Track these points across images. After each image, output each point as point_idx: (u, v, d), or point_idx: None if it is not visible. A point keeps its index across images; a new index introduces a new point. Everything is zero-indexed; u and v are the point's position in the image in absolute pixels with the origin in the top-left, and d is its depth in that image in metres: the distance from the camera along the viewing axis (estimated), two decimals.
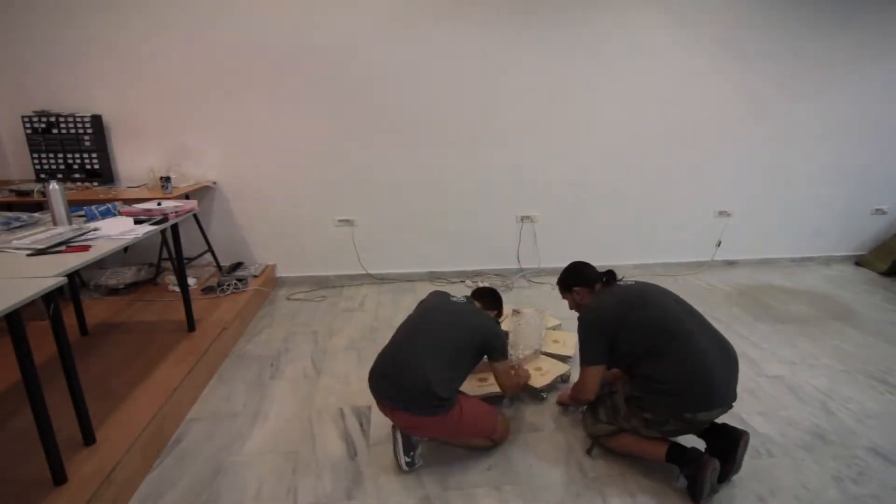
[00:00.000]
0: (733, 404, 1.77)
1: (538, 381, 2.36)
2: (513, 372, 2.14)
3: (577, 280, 2.10)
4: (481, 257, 4.04)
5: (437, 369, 1.77)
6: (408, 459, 1.88)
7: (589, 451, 1.99)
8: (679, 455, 1.77)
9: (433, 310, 2.05)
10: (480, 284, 3.81)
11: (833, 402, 2.38)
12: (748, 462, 1.96)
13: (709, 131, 3.98)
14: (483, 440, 2.00)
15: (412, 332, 1.95)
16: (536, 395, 2.37)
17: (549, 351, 2.66)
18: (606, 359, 1.87)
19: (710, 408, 1.72)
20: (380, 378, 1.85)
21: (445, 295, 2.14)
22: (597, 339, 1.86)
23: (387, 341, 2.67)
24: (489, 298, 2.22)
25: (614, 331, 1.83)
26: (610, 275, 2.07)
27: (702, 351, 1.74)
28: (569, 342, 2.74)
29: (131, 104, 3.38)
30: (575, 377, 2.30)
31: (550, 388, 2.41)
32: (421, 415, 1.76)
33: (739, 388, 2.43)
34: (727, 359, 1.80)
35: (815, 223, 4.44)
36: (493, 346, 1.96)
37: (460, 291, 3.72)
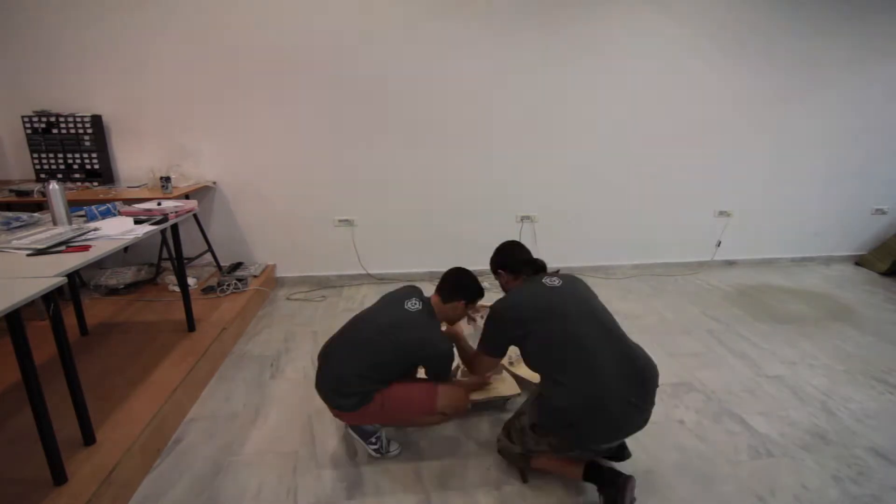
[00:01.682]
0: (643, 426, 1.68)
1: (476, 393, 2.22)
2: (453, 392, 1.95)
3: (503, 262, 2.01)
4: (481, 257, 3.98)
5: (351, 376, 1.81)
6: (374, 446, 1.94)
7: (525, 480, 1.85)
8: (597, 475, 1.69)
9: (371, 319, 1.94)
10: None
11: (833, 402, 2.38)
12: (749, 462, 1.97)
13: (709, 131, 3.98)
14: (432, 417, 1.95)
15: (342, 339, 1.93)
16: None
17: (516, 372, 2.40)
18: (502, 353, 1.86)
19: (609, 440, 1.67)
20: (318, 372, 1.94)
21: (398, 302, 1.96)
22: (499, 335, 1.80)
23: None
24: (450, 289, 1.99)
25: (515, 335, 1.74)
26: (537, 266, 1.94)
27: (602, 383, 1.59)
28: None
29: (131, 104, 3.38)
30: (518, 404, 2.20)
31: (483, 405, 2.23)
32: (345, 410, 1.85)
33: (739, 388, 2.46)
34: (634, 388, 1.62)
35: (815, 223, 4.44)
36: (427, 366, 1.92)
37: None
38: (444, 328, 2.07)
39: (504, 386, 2.31)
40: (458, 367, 2.36)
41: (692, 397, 2.40)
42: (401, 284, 3.83)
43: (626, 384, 1.62)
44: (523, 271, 1.95)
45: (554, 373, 1.67)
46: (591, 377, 1.61)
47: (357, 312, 2.06)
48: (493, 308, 1.82)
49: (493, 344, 1.84)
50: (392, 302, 2.00)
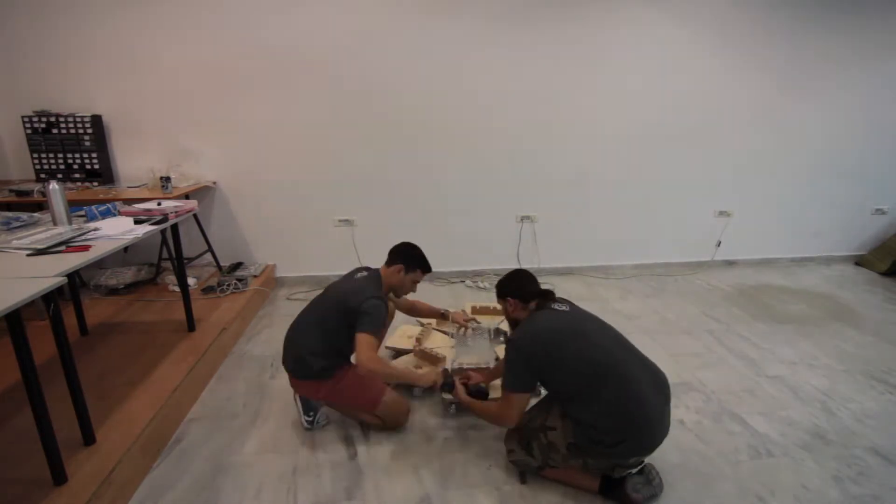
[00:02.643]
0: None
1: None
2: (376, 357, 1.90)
3: (514, 291, 1.96)
4: (481, 257, 4.03)
5: (310, 343, 2.00)
6: (308, 419, 2.10)
7: (524, 481, 1.85)
8: (612, 488, 1.72)
9: (328, 287, 2.20)
10: (480, 284, 3.84)
11: (833, 402, 2.38)
12: (749, 462, 1.97)
13: (709, 131, 3.98)
14: (370, 416, 2.07)
15: (304, 309, 2.15)
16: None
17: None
18: (532, 387, 1.75)
19: (651, 450, 1.68)
20: (284, 345, 2.14)
21: (349, 275, 2.19)
22: (524, 367, 1.72)
23: (386, 340, 2.68)
24: (392, 255, 2.19)
25: (542, 364, 1.69)
26: (546, 295, 1.91)
27: (640, 394, 1.62)
28: None
29: (131, 104, 3.38)
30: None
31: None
32: (300, 378, 2.04)
33: (739, 388, 2.47)
34: (662, 395, 1.69)
35: (815, 223, 4.44)
36: (354, 311, 1.91)
37: (460, 291, 3.78)
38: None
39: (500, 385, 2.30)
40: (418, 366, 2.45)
41: (692, 397, 2.40)
42: None
43: (657, 393, 1.67)
44: (534, 300, 1.91)
45: (587, 392, 1.63)
46: (635, 393, 1.61)
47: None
48: (514, 341, 1.75)
49: (521, 379, 1.73)
50: (344, 278, 2.19)
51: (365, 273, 2.15)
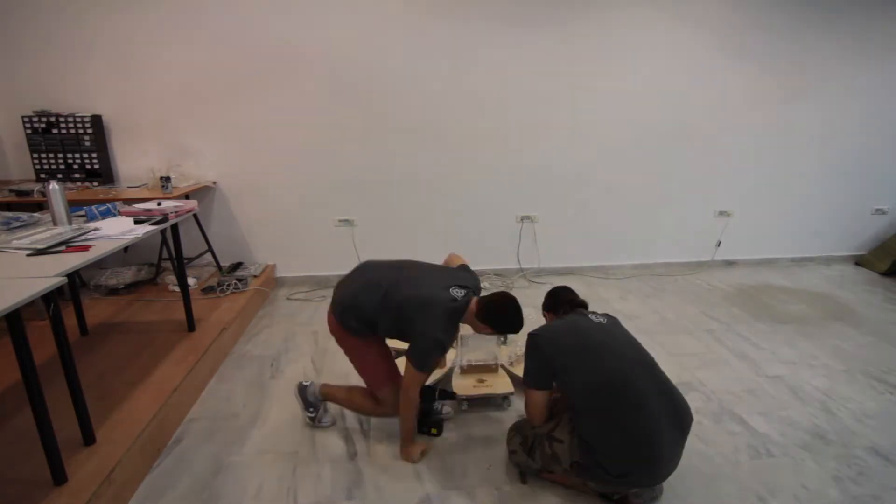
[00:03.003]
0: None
1: (464, 388, 2.24)
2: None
3: (547, 304, 1.97)
4: (481, 257, 4.02)
5: (363, 302, 1.87)
6: (310, 415, 2.12)
7: (524, 481, 1.85)
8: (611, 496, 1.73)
9: (415, 266, 2.01)
10: (481, 284, 3.83)
11: (833, 402, 2.38)
12: (749, 462, 1.96)
13: (709, 131, 3.98)
14: (368, 400, 2.00)
15: (383, 265, 2.04)
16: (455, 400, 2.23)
17: (515, 372, 2.42)
18: (548, 386, 1.73)
19: (653, 484, 1.67)
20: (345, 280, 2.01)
21: (446, 279, 1.94)
22: (538, 364, 1.72)
23: (386, 341, 2.66)
24: (492, 315, 1.84)
25: (558, 365, 1.67)
26: (576, 303, 1.90)
27: (652, 426, 1.56)
28: None
29: (131, 104, 3.38)
30: (518, 405, 2.25)
31: (480, 402, 2.26)
32: (336, 321, 1.94)
33: (739, 388, 2.47)
34: (678, 429, 1.63)
35: (815, 223, 4.44)
36: (410, 327, 1.80)
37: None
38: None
39: (500, 383, 2.31)
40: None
41: (692, 397, 2.39)
42: None
43: (672, 427, 1.60)
44: (562, 309, 1.91)
45: (597, 409, 1.60)
46: (643, 422, 1.56)
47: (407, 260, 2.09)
48: (532, 337, 1.74)
49: (536, 377, 1.73)
50: (441, 275, 1.97)
51: (459, 295, 1.85)
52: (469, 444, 2.06)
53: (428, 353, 1.78)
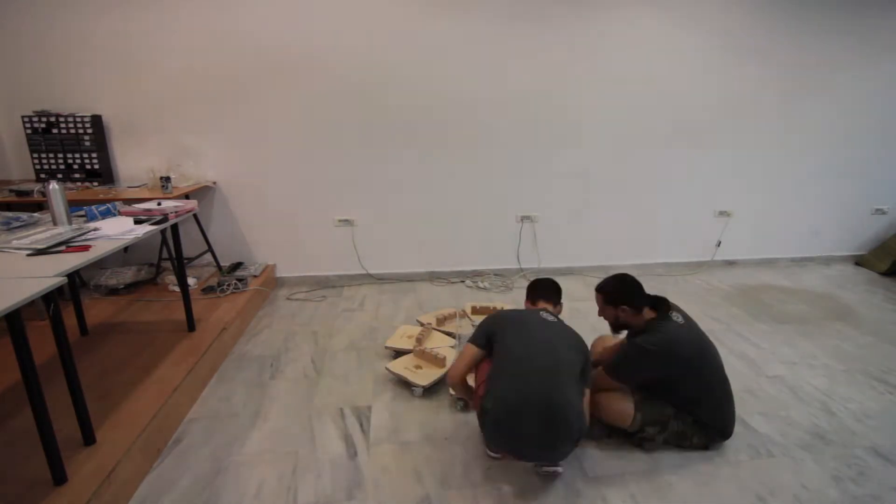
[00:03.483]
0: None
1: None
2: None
3: (628, 299, 2.00)
4: (481, 257, 4.04)
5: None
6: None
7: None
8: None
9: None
10: (480, 285, 3.84)
11: (833, 402, 2.38)
12: (749, 462, 1.96)
13: (709, 131, 3.98)
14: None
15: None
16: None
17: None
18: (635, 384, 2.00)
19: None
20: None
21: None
22: (644, 370, 1.92)
23: (386, 341, 2.68)
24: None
25: (673, 373, 1.89)
26: (661, 303, 2.02)
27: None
28: None
29: (131, 104, 3.37)
30: None
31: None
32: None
33: (739, 388, 2.46)
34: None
35: (815, 223, 4.44)
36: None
37: (461, 291, 3.78)
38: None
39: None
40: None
41: None
42: (401, 284, 3.86)
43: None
44: (646, 307, 2.02)
45: (718, 396, 1.99)
46: (730, 395, 2.03)
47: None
48: (649, 347, 1.87)
49: (635, 377, 1.97)
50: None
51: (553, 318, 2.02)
52: (469, 445, 2.05)
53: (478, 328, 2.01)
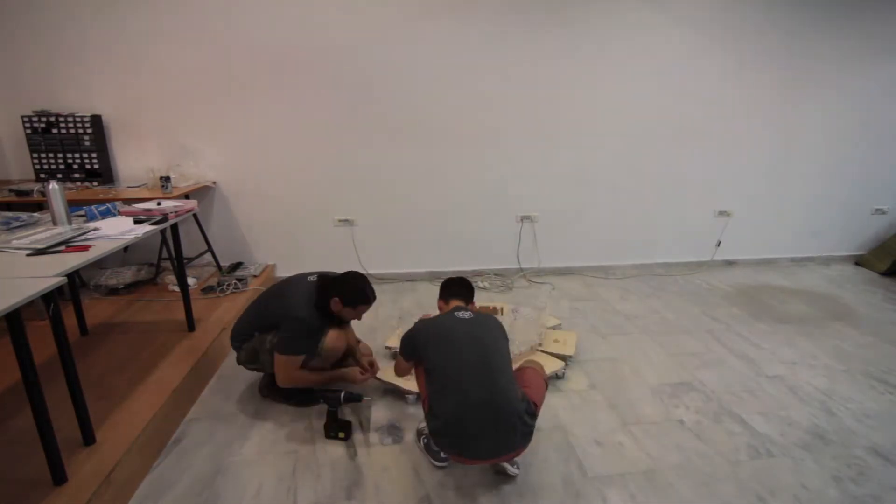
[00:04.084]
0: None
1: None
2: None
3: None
4: (481, 257, 4.03)
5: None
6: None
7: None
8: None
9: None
10: (480, 284, 3.84)
11: (833, 402, 2.38)
12: (749, 462, 1.96)
13: (709, 131, 3.98)
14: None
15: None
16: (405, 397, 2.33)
17: (548, 350, 2.66)
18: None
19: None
20: None
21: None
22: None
23: (387, 341, 2.67)
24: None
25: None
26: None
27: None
28: (569, 341, 2.74)
29: (131, 104, 3.37)
30: (570, 375, 2.50)
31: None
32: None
33: (739, 388, 2.47)
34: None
35: (815, 223, 4.44)
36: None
37: None
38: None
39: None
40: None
41: (692, 397, 2.40)
42: (401, 284, 3.86)
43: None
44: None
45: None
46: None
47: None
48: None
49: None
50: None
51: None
52: None
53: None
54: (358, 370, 2.31)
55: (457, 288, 2.19)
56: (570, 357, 2.64)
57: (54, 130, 3.22)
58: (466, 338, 1.84)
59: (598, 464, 1.95)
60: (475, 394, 1.70)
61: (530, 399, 1.77)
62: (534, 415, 1.76)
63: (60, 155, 3.26)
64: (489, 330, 1.91)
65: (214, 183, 3.60)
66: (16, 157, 3.39)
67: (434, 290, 3.87)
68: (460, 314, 1.96)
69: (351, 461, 1.96)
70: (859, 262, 4.53)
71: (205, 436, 2.10)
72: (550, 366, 2.48)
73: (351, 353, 2.38)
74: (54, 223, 2.14)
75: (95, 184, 3.35)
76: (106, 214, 2.33)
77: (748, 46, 3.80)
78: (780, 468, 1.94)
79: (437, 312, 2.20)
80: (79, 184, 3.31)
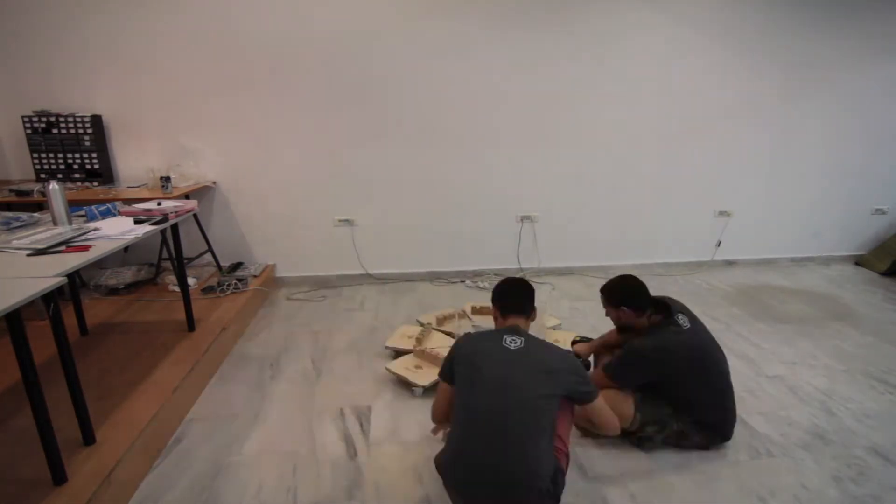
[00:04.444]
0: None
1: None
2: None
3: (629, 300, 2.01)
4: (481, 257, 4.03)
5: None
6: None
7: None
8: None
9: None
10: (480, 285, 3.84)
11: (833, 402, 2.38)
12: (749, 462, 1.96)
13: (709, 131, 3.98)
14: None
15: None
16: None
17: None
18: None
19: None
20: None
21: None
22: (639, 374, 1.93)
23: (386, 341, 2.66)
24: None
25: (670, 376, 1.90)
26: (664, 307, 2.01)
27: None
28: (569, 342, 2.74)
29: (131, 104, 3.38)
30: None
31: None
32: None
33: (739, 388, 2.45)
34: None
35: (815, 223, 4.44)
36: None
37: (461, 291, 3.78)
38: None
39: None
40: None
41: None
42: (401, 284, 3.86)
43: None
44: (649, 309, 2.04)
45: (721, 397, 2.01)
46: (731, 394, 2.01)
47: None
48: (643, 351, 1.91)
49: (635, 380, 1.97)
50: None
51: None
52: None
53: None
54: None
55: (514, 300, 1.76)
56: None
57: (54, 130, 3.22)
58: (494, 382, 1.51)
59: (599, 464, 1.95)
60: (481, 455, 1.45)
61: (554, 462, 1.48)
62: (556, 483, 1.48)
63: (61, 155, 3.26)
64: (532, 374, 1.52)
65: (214, 183, 3.60)
66: (16, 157, 3.40)
67: (434, 289, 3.90)
68: (509, 340, 1.59)
69: (351, 461, 1.96)
70: (859, 262, 4.53)
71: (205, 436, 2.10)
72: None
73: None
74: (54, 223, 2.14)
75: (95, 184, 3.35)
76: (106, 214, 2.33)
77: (748, 46, 3.80)
78: (780, 468, 1.94)
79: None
80: (79, 184, 3.32)
